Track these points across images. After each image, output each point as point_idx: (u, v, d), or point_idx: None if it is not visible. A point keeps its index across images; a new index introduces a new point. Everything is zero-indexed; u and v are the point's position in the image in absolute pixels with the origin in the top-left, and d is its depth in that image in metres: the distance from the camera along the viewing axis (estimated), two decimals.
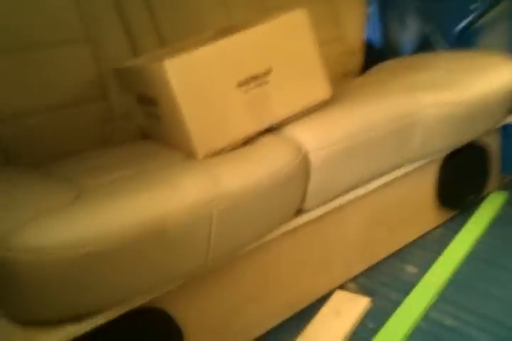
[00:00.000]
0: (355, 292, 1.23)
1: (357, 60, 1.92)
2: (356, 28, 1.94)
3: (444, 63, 1.48)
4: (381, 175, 1.21)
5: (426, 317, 1.13)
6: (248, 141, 1.02)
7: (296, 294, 1.16)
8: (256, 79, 0.98)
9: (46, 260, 0.70)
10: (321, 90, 1.08)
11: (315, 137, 1.03)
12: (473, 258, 1.32)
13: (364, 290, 1.24)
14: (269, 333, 1.12)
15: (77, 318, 0.80)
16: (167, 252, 0.81)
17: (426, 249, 1.39)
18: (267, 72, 1.00)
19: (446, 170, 1.42)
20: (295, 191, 1.00)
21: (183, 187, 0.83)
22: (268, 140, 1.02)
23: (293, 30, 1.04)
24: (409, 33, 1.95)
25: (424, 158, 1.31)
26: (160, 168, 0.94)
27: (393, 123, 1.13)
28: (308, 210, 1.09)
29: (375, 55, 2.01)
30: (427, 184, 1.42)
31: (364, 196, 1.22)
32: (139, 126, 1.34)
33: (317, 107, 1.11)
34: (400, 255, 1.37)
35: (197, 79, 0.93)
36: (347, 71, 1.88)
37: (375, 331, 1.09)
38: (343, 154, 1.05)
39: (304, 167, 1.00)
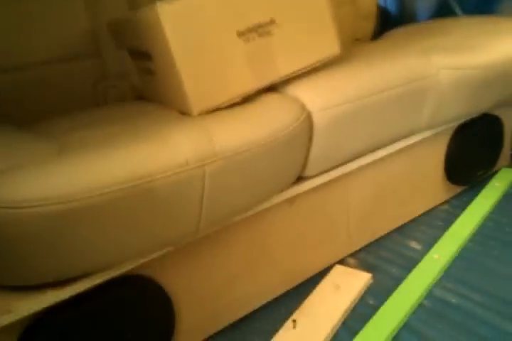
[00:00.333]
0: (356, 267, 1.17)
1: (370, 25, 1.83)
2: None
3: (462, 28, 1.39)
4: (388, 143, 1.14)
5: (429, 295, 1.07)
6: (247, 98, 0.94)
7: (293, 267, 1.09)
8: (259, 29, 0.89)
9: (23, 215, 0.63)
10: (330, 46, 0.99)
11: (320, 96, 0.95)
12: (480, 236, 1.25)
13: (365, 266, 1.17)
14: (265, 307, 1.06)
15: (58, 283, 0.74)
16: (155, 213, 0.74)
17: (431, 225, 1.33)
18: (271, 22, 0.91)
19: (456, 143, 1.34)
20: (296, 154, 0.92)
21: (174, 143, 0.75)
22: (269, 98, 0.94)
23: None
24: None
25: (435, 128, 1.23)
26: (151, 124, 0.87)
27: (405, 85, 1.04)
28: (309, 178, 1.02)
29: (390, 21, 1.93)
30: (435, 157, 1.34)
31: (369, 166, 1.15)
32: (133, 86, 1.27)
33: (324, 66, 1.02)
34: (403, 231, 1.31)
35: (193, 28, 0.84)
36: (358, 36, 1.79)
37: (375, 308, 1.03)
38: (349, 117, 0.97)
39: (306, 128, 0.92)
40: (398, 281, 1.11)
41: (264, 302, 1.06)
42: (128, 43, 1.09)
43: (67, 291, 0.74)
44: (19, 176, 0.66)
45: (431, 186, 1.37)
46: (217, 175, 0.77)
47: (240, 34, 0.88)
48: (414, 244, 1.25)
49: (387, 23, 1.87)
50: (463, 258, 1.18)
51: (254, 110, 0.89)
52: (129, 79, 1.26)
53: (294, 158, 0.92)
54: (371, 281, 1.11)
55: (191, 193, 0.76)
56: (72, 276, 0.74)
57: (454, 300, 1.05)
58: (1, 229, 0.64)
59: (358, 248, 1.23)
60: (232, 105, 0.91)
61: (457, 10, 1.77)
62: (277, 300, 1.08)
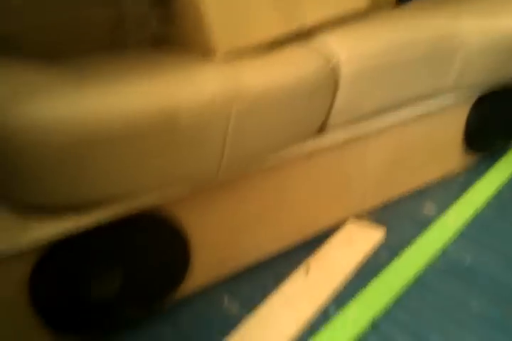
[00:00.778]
0: (369, 224, 1.16)
1: None
2: None
3: None
4: (412, 102, 1.12)
5: (443, 253, 1.06)
6: (274, 45, 0.92)
7: (308, 220, 1.09)
8: None
9: (42, 135, 0.63)
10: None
11: (349, 48, 0.94)
12: (496, 200, 1.24)
13: (379, 224, 1.17)
14: (279, 255, 1.06)
15: (76, 209, 0.73)
16: (177, 147, 0.73)
17: (447, 190, 1.32)
18: None
19: (477, 111, 1.32)
20: (320, 103, 0.91)
21: (200, 79, 0.75)
22: (297, 45, 0.92)
23: None
24: None
25: (459, 91, 1.21)
26: (175, 62, 0.86)
27: (433, 44, 1.03)
28: (331, 131, 1.01)
29: None
30: (455, 123, 1.32)
31: (389, 127, 1.13)
32: (152, 34, 1.24)
33: (353, 20, 1.00)
34: (419, 194, 1.30)
35: None
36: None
37: (387, 262, 1.03)
38: (376, 70, 0.96)
39: (333, 77, 0.91)
40: (411, 240, 1.10)
41: (277, 250, 1.06)
42: None
43: (85, 220, 0.74)
44: (44, 100, 0.65)
45: (449, 152, 1.36)
46: (242, 115, 0.77)
47: None
48: (429, 207, 1.24)
49: None
50: (478, 220, 1.17)
51: (282, 57, 0.88)
52: (148, 27, 1.23)
53: (318, 106, 0.91)
54: (385, 237, 1.11)
55: (215, 131, 0.76)
56: (91, 203, 0.74)
57: (468, 260, 1.04)
58: (24, 151, 0.64)
59: (373, 206, 1.23)
60: (259, 51, 0.89)
61: None
62: (291, 250, 1.08)
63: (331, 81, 0.90)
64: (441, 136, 1.30)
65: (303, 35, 0.96)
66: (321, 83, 0.88)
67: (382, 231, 1.12)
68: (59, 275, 0.74)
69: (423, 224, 1.16)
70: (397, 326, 0.88)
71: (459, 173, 1.39)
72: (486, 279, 0.98)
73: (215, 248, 0.95)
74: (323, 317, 0.90)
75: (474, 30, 1.09)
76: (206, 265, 0.94)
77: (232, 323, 0.88)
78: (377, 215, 1.21)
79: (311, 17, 0.95)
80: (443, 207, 1.23)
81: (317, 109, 0.93)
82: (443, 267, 1.02)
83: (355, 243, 1.07)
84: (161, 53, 1.03)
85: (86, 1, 1.16)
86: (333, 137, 1.02)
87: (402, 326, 0.87)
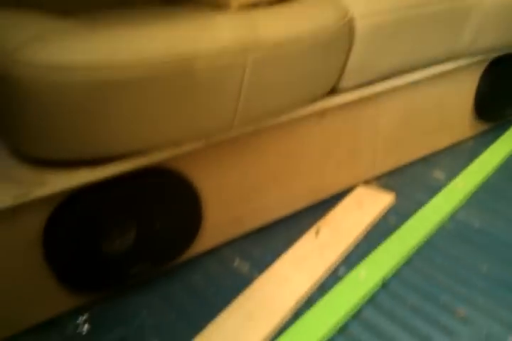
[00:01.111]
0: (379, 189, 1.16)
1: None
2: None
3: None
4: (424, 64, 1.11)
5: (453, 218, 1.07)
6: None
7: (318, 182, 1.09)
8: None
9: (57, 80, 0.62)
10: None
11: (365, 2, 0.92)
12: (505, 168, 1.24)
13: (388, 189, 1.17)
14: (289, 217, 1.06)
15: (88, 162, 0.73)
16: (193, 96, 0.72)
17: (456, 157, 1.31)
18: None
19: (488, 78, 1.30)
20: (334, 59, 0.90)
21: (217, 27, 0.73)
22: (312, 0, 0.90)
23: None
24: None
25: (472, 55, 1.19)
26: (190, 14, 0.83)
27: (450, 1, 1.00)
28: (343, 91, 1.00)
29: None
30: (466, 90, 1.31)
31: (401, 89, 1.12)
32: None
33: None
34: (428, 160, 1.30)
35: None
36: None
37: (397, 226, 1.03)
38: (390, 28, 0.94)
39: (348, 32, 0.89)
40: (421, 204, 1.10)
41: (288, 212, 1.07)
42: None
43: (100, 171, 0.74)
44: (64, 39, 0.64)
45: (459, 119, 1.35)
46: (258, 65, 0.75)
47: None
48: (438, 173, 1.24)
49: None
50: (487, 187, 1.17)
51: (297, 8, 0.86)
52: None
53: (332, 63, 0.90)
54: (393, 202, 1.11)
55: (230, 81, 0.74)
56: (105, 156, 0.73)
57: (477, 225, 1.04)
58: (41, 93, 0.63)
59: (382, 172, 1.22)
60: (273, 3, 0.87)
61: None
62: (301, 212, 1.08)
63: (346, 35, 0.88)
64: (451, 101, 1.29)
65: None
66: (336, 37, 0.86)
67: (392, 195, 1.11)
68: (72, 228, 0.74)
69: (432, 190, 1.15)
70: (406, 286, 0.88)
71: (467, 142, 1.39)
72: (495, 242, 0.99)
73: (226, 206, 0.95)
74: (333, 278, 0.90)
75: None
76: (217, 224, 0.94)
77: (243, 282, 0.89)
78: (387, 181, 1.20)
79: None
80: (452, 174, 1.22)
81: (331, 64, 0.91)
82: (452, 230, 1.03)
83: (365, 206, 1.07)
84: (173, 7, 1.01)
85: None
86: (345, 97, 1.00)
87: (412, 286, 0.88)
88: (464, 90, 1.30)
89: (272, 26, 0.78)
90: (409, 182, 1.20)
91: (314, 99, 0.94)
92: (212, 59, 0.71)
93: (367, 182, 1.19)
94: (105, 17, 0.84)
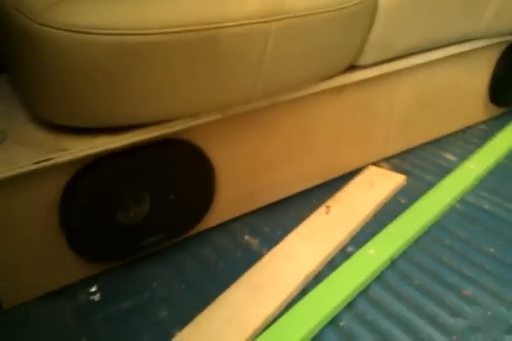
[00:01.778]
0: (390, 170, 1.16)
1: None
2: None
3: None
4: (443, 43, 1.09)
5: (462, 200, 1.07)
6: None
7: (330, 160, 1.09)
8: None
9: (89, 41, 0.61)
10: None
11: None
12: None
13: (399, 171, 1.17)
14: (300, 195, 1.07)
15: (107, 130, 0.73)
16: (215, 65, 0.71)
17: (467, 141, 1.31)
18: None
19: (504, 62, 1.29)
20: (357, 33, 0.88)
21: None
22: None
23: None
24: None
25: (491, 37, 1.18)
26: None
27: None
28: (361, 68, 0.99)
29: None
30: (481, 74, 1.29)
31: (418, 68, 1.11)
32: None
33: None
34: (439, 143, 1.29)
35: None
36: None
37: (407, 206, 1.03)
38: (413, 3, 0.92)
39: (372, 6, 0.87)
40: (431, 186, 1.10)
41: (299, 189, 1.07)
42: None
43: (119, 140, 0.74)
44: (90, 3, 0.63)
45: (472, 103, 1.33)
46: (281, 35, 0.74)
47: None
48: (449, 156, 1.24)
49: None
50: (498, 171, 1.17)
51: None
52: None
53: (354, 37, 0.88)
54: (404, 183, 1.11)
55: (254, 49, 0.73)
56: (124, 124, 0.73)
57: (487, 207, 1.05)
58: (65, 55, 0.62)
59: (395, 152, 1.22)
60: None
61: None
62: (312, 190, 1.08)
63: (369, 9, 0.87)
64: (466, 84, 1.27)
65: None
66: (360, 10, 0.84)
67: (402, 176, 1.11)
68: (88, 195, 0.74)
69: (443, 172, 1.15)
70: (414, 266, 0.89)
71: (479, 125, 1.38)
72: (504, 225, 0.99)
73: (238, 181, 0.95)
74: (342, 255, 0.91)
75: None
76: (229, 198, 0.95)
77: (252, 257, 0.90)
78: (398, 162, 1.20)
79: None
80: (463, 157, 1.22)
81: (353, 38, 0.89)
82: (462, 212, 1.03)
83: (376, 185, 1.07)
84: None
85: None
86: (363, 73, 0.99)
87: (420, 266, 0.89)
88: (479, 73, 1.29)
89: None
90: (421, 164, 1.20)
91: (333, 74, 0.94)
92: (237, 26, 0.70)
93: (378, 163, 1.19)
94: None
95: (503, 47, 1.27)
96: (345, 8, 0.80)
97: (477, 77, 1.29)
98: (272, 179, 1.00)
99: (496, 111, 1.41)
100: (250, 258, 0.90)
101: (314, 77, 0.89)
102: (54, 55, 0.62)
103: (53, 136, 0.72)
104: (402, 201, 1.06)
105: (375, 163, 1.18)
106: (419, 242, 0.95)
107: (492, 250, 0.92)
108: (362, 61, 0.96)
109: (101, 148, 0.72)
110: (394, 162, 1.21)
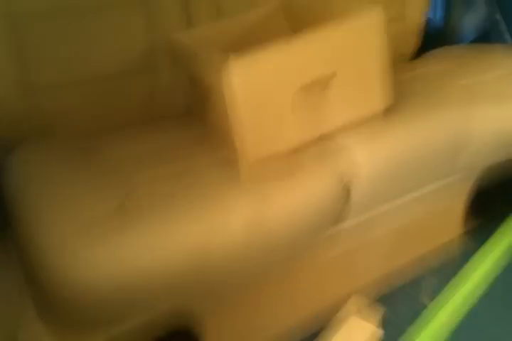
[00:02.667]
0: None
1: (413, 42, 1.76)
2: (419, 7, 1.76)
3: (507, 62, 1.39)
4: (419, 187, 1.20)
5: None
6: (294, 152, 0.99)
7: (313, 299, 1.19)
8: (317, 83, 0.94)
9: (96, 287, 0.74)
10: (377, 101, 1.04)
11: (362, 158, 1.02)
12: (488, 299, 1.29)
13: (379, 301, 1.24)
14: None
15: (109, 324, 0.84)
16: (207, 279, 0.83)
17: (446, 261, 1.38)
18: (330, 77, 0.95)
19: (481, 183, 1.37)
20: (332, 214, 1.00)
21: (229, 221, 0.84)
22: (314, 157, 0.99)
23: (363, 33, 0.97)
24: (474, 17, 1.79)
25: (467, 171, 1.28)
26: (205, 170, 0.94)
27: (445, 143, 1.11)
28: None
29: (432, 37, 1.88)
30: (461, 193, 1.38)
31: (396, 208, 1.21)
32: (186, 102, 1.27)
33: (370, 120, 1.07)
34: (419, 265, 1.36)
35: (256, 82, 0.88)
36: (400, 53, 1.73)
37: None
38: (387, 174, 1.04)
39: (346, 193, 0.99)
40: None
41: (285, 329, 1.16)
42: (187, 68, 1.13)
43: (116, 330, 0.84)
44: (89, 254, 0.75)
45: (451, 220, 1.42)
46: (263, 244, 0.86)
47: (299, 88, 0.92)
48: (429, 280, 1.31)
49: (428, 38, 1.83)
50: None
51: (300, 177, 0.95)
52: (183, 95, 1.26)
53: (330, 216, 1.00)
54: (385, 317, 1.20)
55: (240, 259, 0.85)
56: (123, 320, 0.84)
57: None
58: (75, 299, 0.75)
59: (374, 281, 1.30)
60: (281, 158, 0.96)
61: (506, 35, 1.73)
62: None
63: (344, 197, 0.99)
64: (445, 205, 1.36)
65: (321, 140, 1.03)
66: (333, 202, 0.97)
67: (382, 311, 1.20)
68: None
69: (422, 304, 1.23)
70: None
71: (458, 241, 1.46)
72: None
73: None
74: None
75: (488, 119, 1.15)
76: None
77: None
78: (378, 292, 1.28)
79: (333, 123, 1.01)
80: (443, 280, 1.30)
81: (329, 219, 1.02)
82: None
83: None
84: (190, 139, 1.10)
85: (126, 69, 1.23)
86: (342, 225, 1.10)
87: None
88: (458, 193, 1.37)
89: (277, 209, 0.89)
90: (401, 293, 1.28)
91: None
92: (226, 250, 0.82)
93: (359, 294, 1.26)
94: (127, 175, 0.94)
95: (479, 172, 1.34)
96: (320, 206, 0.94)
97: (456, 196, 1.37)
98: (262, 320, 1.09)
99: (473, 224, 1.49)
100: None
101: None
102: (69, 300, 0.73)
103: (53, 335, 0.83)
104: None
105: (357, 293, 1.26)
106: None
107: None
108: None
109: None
110: (374, 291, 1.28)
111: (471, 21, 1.83)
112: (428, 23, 1.86)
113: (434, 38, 1.84)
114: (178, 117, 1.25)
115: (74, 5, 1.16)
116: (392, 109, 1.10)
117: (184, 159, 1.02)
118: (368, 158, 1.01)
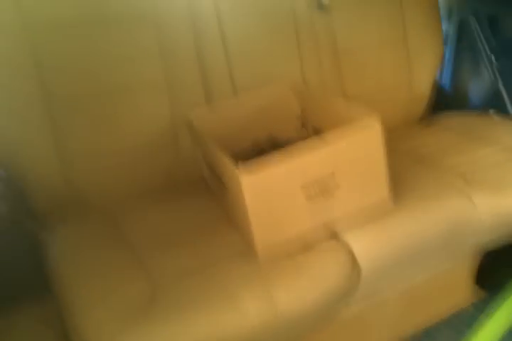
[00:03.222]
0: None
1: (422, 106, 1.82)
2: (428, 74, 1.84)
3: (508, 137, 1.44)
4: (424, 272, 1.27)
5: None
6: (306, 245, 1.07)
7: None
8: (320, 183, 1.02)
9: None
10: (382, 201, 1.12)
11: (367, 253, 1.08)
12: None
13: None
14: None
15: None
16: None
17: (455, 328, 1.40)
18: (331, 177, 1.03)
19: (487, 258, 1.41)
20: (342, 300, 1.08)
21: (242, 309, 0.91)
22: (323, 253, 1.06)
23: (365, 141, 1.06)
24: (481, 86, 1.86)
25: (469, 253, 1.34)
26: (222, 265, 1.02)
27: (445, 235, 1.16)
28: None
29: (440, 101, 1.93)
30: (465, 268, 1.42)
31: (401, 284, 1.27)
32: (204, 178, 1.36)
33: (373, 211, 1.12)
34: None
35: (267, 187, 0.99)
36: (410, 117, 1.80)
37: None
38: (391, 264, 1.11)
39: (355, 283, 1.07)
40: None
41: None
42: (206, 156, 1.23)
43: None
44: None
45: (458, 291, 1.45)
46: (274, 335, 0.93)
47: (304, 187, 1.01)
48: None
49: (437, 102, 1.86)
50: None
51: (310, 272, 1.02)
52: (201, 170, 1.34)
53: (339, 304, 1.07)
54: None
55: None
56: None
57: None
58: None
59: None
60: (291, 253, 1.04)
61: (508, 106, 1.76)
62: None
63: (352, 287, 1.06)
64: (450, 279, 1.41)
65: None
66: (344, 291, 1.04)
67: None
68: None
69: None
70: None
71: (467, 310, 1.47)
72: None
73: None
74: None
75: (487, 211, 1.18)
76: None
77: None
78: None
79: (338, 212, 1.09)
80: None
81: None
82: None
83: None
84: (209, 224, 1.18)
85: (150, 142, 1.34)
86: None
87: None
88: (463, 268, 1.42)
89: (289, 301, 0.97)
90: None
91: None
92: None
93: None
94: (156, 263, 1.02)
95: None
96: (329, 299, 1.01)
97: (461, 271, 1.42)
98: None
99: (481, 293, 1.52)
100: None
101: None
102: None
103: None
104: None
105: None
106: None
107: None
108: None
109: None
110: None
111: (479, 88, 1.89)
112: (437, 88, 1.92)
113: (442, 103, 1.89)
114: (198, 184, 1.34)
115: (107, 87, 1.29)
116: (394, 200, 1.15)
117: (205, 245, 1.10)
118: (367, 260, 1.08)
